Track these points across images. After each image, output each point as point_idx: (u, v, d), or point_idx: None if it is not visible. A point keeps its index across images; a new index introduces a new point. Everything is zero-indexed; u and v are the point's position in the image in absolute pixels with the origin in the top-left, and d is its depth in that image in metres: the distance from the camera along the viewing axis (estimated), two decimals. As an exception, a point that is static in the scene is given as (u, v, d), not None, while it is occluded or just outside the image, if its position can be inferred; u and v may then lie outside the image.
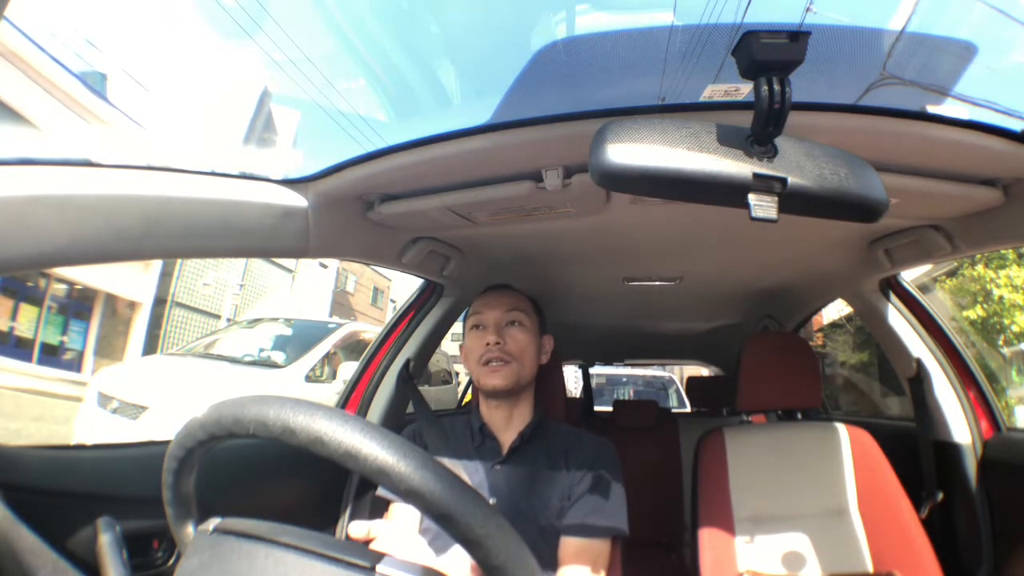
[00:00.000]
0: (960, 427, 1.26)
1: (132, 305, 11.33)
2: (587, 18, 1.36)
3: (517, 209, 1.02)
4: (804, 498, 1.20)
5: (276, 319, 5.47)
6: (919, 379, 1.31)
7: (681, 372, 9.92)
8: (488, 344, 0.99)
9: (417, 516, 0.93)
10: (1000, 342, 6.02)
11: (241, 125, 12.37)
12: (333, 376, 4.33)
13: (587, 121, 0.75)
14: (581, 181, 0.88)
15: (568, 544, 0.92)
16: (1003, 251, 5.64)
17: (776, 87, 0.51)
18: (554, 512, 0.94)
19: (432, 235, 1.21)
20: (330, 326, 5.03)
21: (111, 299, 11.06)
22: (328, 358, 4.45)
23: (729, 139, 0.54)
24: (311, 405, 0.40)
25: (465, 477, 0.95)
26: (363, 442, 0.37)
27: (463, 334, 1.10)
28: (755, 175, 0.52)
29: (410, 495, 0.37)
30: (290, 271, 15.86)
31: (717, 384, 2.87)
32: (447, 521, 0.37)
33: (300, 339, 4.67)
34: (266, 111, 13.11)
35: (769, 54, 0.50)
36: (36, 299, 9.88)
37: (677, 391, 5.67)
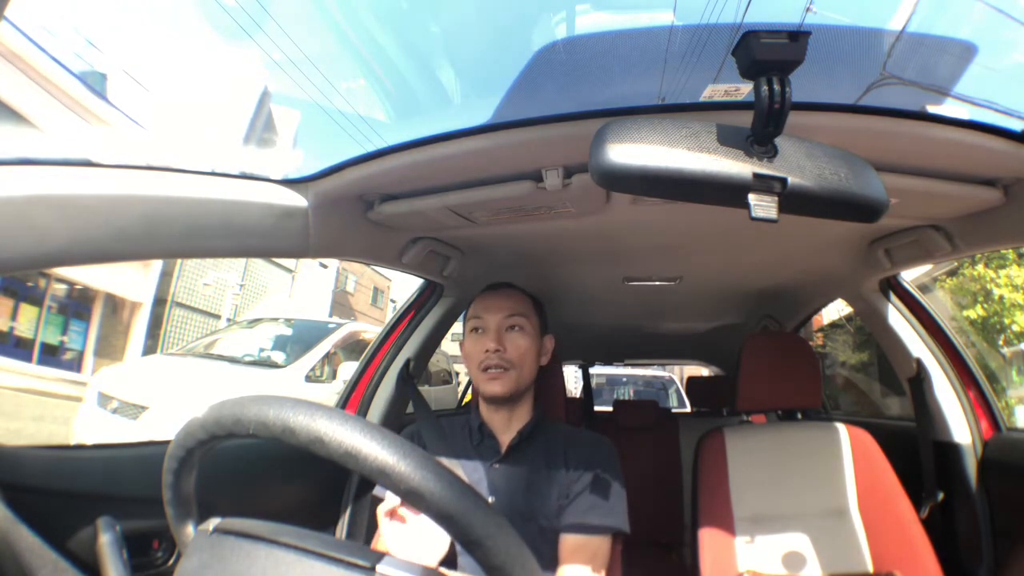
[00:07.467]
0: (960, 427, 1.26)
1: (132, 305, 11.33)
2: (587, 18, 1.36)
3: (517, 209, 1.02)
4: (804, 498, 1.20)
5: (276, 319, 5.47)
6: (919, 379, 1.31)
7: (681, 372, 9.92)
8: (488, 351, 0.98)
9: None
10: (1000, 342, 6.02)
11: (241, 125, 12.36)
12: (333, 376, 4.33)
13: (587, 121, 0.75)
14: (581, 181, 0.88)
15: (566, 541, 0.91)
16: (1003, 251, 5.64)
17: (776, 87, 0.51)
18: (552, 511, 0.93)
19: (432, 235, 1.21)
20: (330, 326, 5.03)
21: (111, 299, 11.06)
22: (328, 358, 4.45)
23: (729, 139, 0.54)
24: (311, 405, 0.40)
25: (464, 476, 0.94)
26: (363, 442, 0.37)
27: (463, 333, 1.09)
28: (755, 175, 0.52)
29: (410, 495, 0.37)
30: (290, 271, 15.86)
31: (717, 384, 2.87)
32: (447, 521, 0.37)
33: (300, 339, 4.67)
34: (266, 111, 13.10)
35: (769, 54, 0.50)
36: (36, 299, 9.87)
37: (677, 391, 5.67)
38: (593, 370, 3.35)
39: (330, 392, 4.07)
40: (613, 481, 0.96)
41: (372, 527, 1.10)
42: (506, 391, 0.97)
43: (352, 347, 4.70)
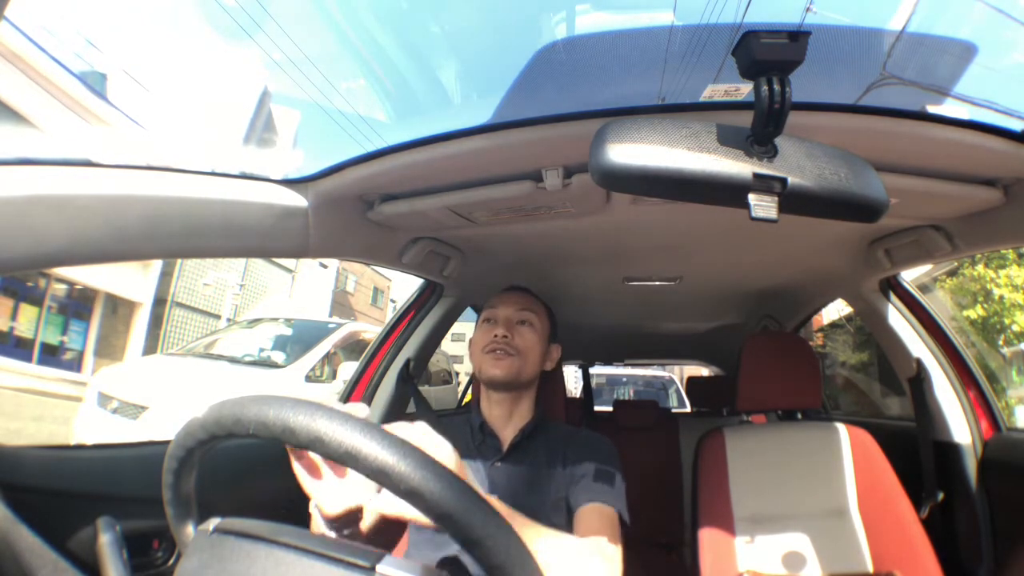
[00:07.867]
0: (960, 427, 1.26)
1: (132, 305, 11.33)
2: (587, 18, 1.36)
3: (517, 209, 1.02)
4: (804, 498, 1.20)
5: (276, 319, 5.47)
6: (919, 379, 1.31)
7: (681, 372, 9.92)
8: (496, 336, 1.01)
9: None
10: (1000, 342, 6.02)
11: (241, 125, 12.36)
12: (333, 376, 4.33)
13: (587, 121, 0.75)
14: (581, 181, 0.88)
15: (582, 511, 0.90)
16: (1003, 251, 5.65)
17: (776, 87, 0.51)
18: (552, 508, 0.93)
19: (432, 235, 1.21)
20: (330, 326, 5.03)
21: (111, 299, 11.06)
22: (328, 358, 4.45)
23: (729, 139, 0.54)
24: (311, 405, 0.40)
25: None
26: (363, 442, 0.37)
27: (475, 327, 1.10)
28: (755, 175, 0.52)
29: (410, 495, 0.37)
30: (290, 271, 15.86)
31: (717, 384, 2.87)
32: (447, 520, 0.37)
33: (300, 339, 4.67)
34: (266, 111, 13.11)
35: (769, 54, 0.50)
36: (36, 299, 9.87)
37: (677, 391, 5.67)
38: (593, 370, 3.35)
39: (330, 392, 4.07)
40: (616, 474, 0.96)
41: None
42: (506, 375, 0.99)
43: (352, 347, 4.70)
